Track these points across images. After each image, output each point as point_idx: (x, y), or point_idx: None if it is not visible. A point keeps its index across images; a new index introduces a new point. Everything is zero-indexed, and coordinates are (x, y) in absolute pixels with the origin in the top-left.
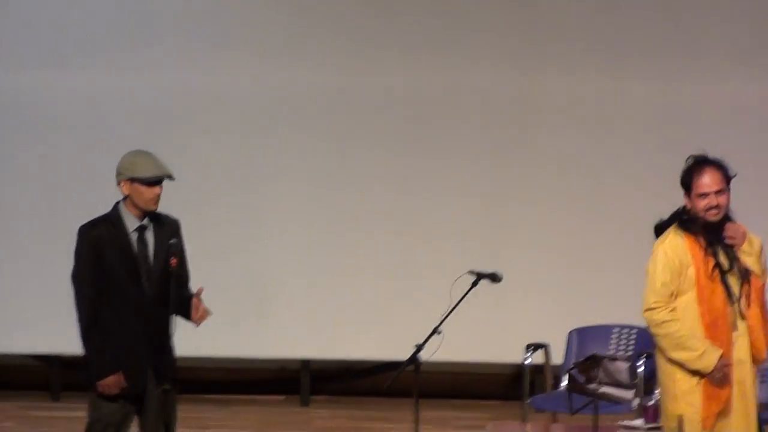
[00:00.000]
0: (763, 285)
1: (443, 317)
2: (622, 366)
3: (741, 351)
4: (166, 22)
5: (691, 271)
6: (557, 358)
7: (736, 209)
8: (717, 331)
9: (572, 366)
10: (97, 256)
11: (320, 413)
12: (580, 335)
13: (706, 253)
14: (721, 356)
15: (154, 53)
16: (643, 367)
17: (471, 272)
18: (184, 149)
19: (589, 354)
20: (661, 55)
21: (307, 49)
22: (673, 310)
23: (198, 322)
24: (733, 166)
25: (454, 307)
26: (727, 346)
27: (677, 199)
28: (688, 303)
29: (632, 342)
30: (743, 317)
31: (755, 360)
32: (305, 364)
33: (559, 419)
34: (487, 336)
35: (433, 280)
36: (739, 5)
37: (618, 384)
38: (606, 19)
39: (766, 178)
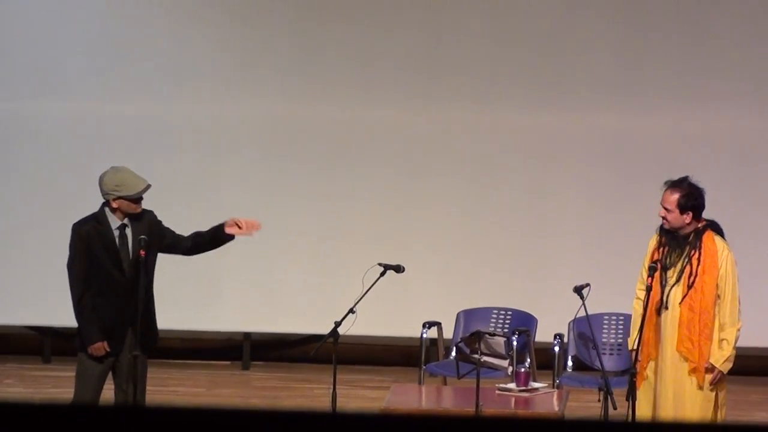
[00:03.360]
0: (711, 288)
1: (357, 300)
2: (500, 340)
3: (666, 337)
4: (135, 59)
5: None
6: (448, 333)
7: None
8: (652, 311)
9: (460, 340)
10: (86, 248)
11: (258, 375)
12: (466, 315)
13: (657, 250)
14: (632, 352)
15: (141, 85)
16: (516, 342)
17: (380, 264)
18: (154, 164)
19: (473, 330)
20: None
21: (248, 84)
22: (644, 289)
23: (250, 232)
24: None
25: (366, 292)
26: (654, 326)
27: (545, 202)
28: None
29: (508, 321)
30: (667, 307)
31: (687, 357)
32: (247, 336)
33: (449, 382)
34: (392, 315)
35: (351, 269)
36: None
37: (496, 355)
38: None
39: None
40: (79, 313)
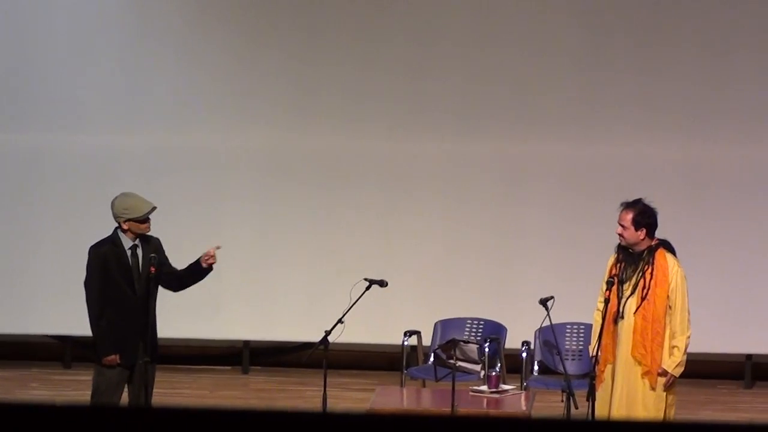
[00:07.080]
0: (662, 300)
1: (345, 311)
2: (473, 347)
3: (622, 343)
4: (158, 95)
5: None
6: (426, 341)
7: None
8: (609, 321)
9: (437, 347)
10: (103, 268)
11: (257, 379)
12: (443, 325)
13: (614, 266)
14: (593, 358)
15: (150, 119)
16: (487, 348)
17: (365, 279)
18: (162, 188)
19: (449, 338)
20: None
21: (248, 118)
22: (603, 302)
23: (207, 264)
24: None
25: (353, 304)
26: (612, 334)
27: (514, 225)
28: None
29: (480, 330)
30: (623, 317)
31: (640, 361)
32: (246, 343)
33: (428, 385)
34: (376, 324)
35: (339, 283)
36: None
37: (470, 360)
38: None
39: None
40: (96, 327)
